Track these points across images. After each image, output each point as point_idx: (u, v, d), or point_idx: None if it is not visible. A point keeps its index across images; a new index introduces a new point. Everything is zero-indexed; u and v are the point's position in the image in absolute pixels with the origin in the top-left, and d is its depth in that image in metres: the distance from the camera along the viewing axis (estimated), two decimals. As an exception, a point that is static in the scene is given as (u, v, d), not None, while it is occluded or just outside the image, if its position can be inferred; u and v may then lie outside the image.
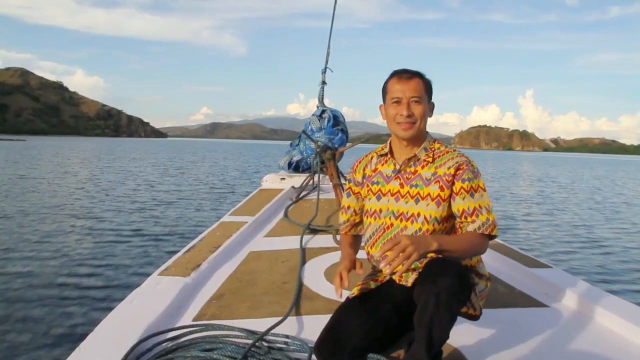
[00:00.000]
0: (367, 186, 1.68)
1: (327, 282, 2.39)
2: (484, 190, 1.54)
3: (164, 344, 1.66)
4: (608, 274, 6.49)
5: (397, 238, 1.30)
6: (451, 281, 1.29)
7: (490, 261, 2.87)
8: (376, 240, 1.64)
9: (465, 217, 1.51)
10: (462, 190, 1.51)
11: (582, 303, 2.12)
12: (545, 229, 10.25)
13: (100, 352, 1.55)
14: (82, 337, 1.66)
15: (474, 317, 1.59)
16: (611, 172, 45.57)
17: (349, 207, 1.75)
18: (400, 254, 1.25)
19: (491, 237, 1.52)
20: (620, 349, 1.75)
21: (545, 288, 2.36)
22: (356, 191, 1.74)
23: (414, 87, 1.54)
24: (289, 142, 6.48)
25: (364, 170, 1.72)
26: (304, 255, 2.86)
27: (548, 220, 11.60)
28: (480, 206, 1.50)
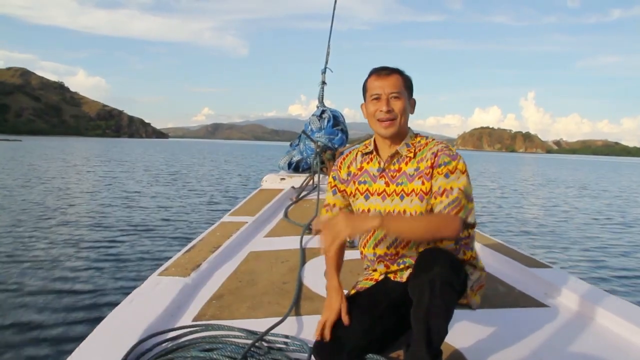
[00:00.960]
0: (354, 185, 1.66)
1: (327, 282, 2.40)
2: (462, 173, 1.48)
3: (164, 344, 1.66)
4: (608, 274, 6.49)
5: (332, 220, 1.33)
6: (444, 269, 1.29)
7: (490, 261, 2.87)
8: (367, 241, 1.63)
9: (435, 198, 1.47)
10: (436, 174, 1.49)
11: (581, 303, 2.12)
12: (545, 228, 10.25)
13: (100, 352, 1.56)
14: (82, 337, 1.66)
15: (469, 306, 1.59)
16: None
17: (334, 205, 1.71)
18: (330, 233, 1.30)
19: (468, 225, 1.46)
20: (620, 349, 1.75)
21: (544, 288, 2.36)
22: (342, 189, 1.71)
23: (392, 83, 1.53)
24: (290, 143, 6.49)
25: (348, 167, 1.70)
26: (304, 255, 2.86)
27: (548, 220, 11.59)
28: (451, 187, 1.45)
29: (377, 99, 1.55)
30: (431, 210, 1.50)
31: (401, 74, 1.57)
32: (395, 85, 1.54)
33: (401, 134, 1.58)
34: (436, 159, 1.50)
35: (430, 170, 1.50)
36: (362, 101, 1.64)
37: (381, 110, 1.53)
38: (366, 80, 1.61)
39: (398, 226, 1.39)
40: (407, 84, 1.58)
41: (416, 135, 1.62)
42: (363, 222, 1.33)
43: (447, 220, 1.41)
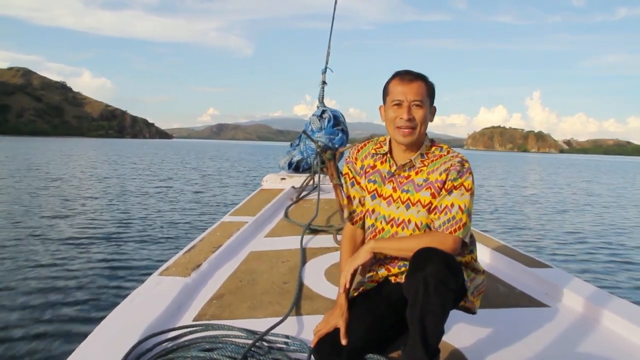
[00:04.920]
0: (365, 180, 1.65)
1: (327, 282, 2.40)
2: (467, 190, 1.47)
3: (164, 344, 1.66)
4: (608, 274, 6.48)
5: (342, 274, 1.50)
6: (438, 268, 1.28)
7: (491, 261, 2.87)
8: (367, 242, 1.62)
9: (436, 214, 1.48)
10: (443, 189, 1.49)
11: (582, 303, 2.12)
12: (545, 228, 10.24)
13: (101, 352, 1.56)
14: (83, 337, 1.66)
15: (471, 311, 1.59)
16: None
17: (354, 197, 1.69)
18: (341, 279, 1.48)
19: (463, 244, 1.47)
20: (621, 349, 1.75)
21: (545, 288, 2.36)
22: (359, 180, 1.68)
23: (416, 91, 1.49)
24: (290, 143, 6.49)
25: (362, 161, 1.67)
26: (304, 255, 2.86)
27: (548, 220, 11.58)
28: (452, 204, 1.46)
29: (399, 105, 1.50)
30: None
31: (425, 80, 1.52)
32: (419, 93, 1.49)
33: (418, 142, 1.55)
34: (447, 175, 1.49)
35: (442, 186, 1.49)
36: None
37: (402, 118, 1.48)
38: (388, 83, 1.55)
39: (389, 248, 1.49)
40: (430, 92, 1.53)
41: (432, 144, 1.58)
42: (357, 256, 1.49)
43: (440, 239, 1.43)
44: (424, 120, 1.51)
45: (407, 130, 1.49)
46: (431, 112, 1.56)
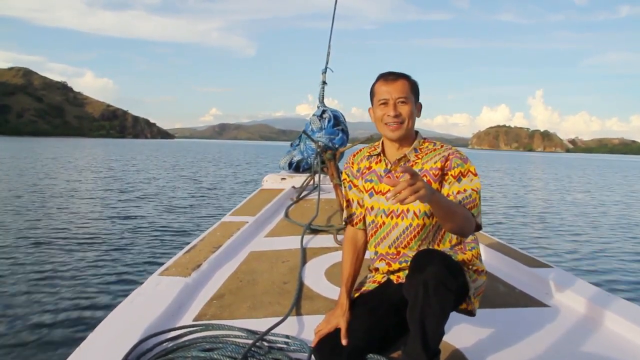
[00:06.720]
0: (362, 181, 1.70)
1: (327, 282, 2.40)
2: (475, 175, 1.54)
3: (164, 344, 1.67)
4: (609, 274, 6.48)
5: (406, 167, 1.23)
6: (438, 269, 1.30)
7: (491, 261, 2.87)
8: (369, 239, 1.67)
9: (449, 196, 1.52)
10: (450, 177, 1.53)
11: (582, 303, 2.12)
12: (545, 228, 10.23)
13: (101, 352, 1.56)
14: (83, 337, 1.66)
15: (470, 313, 1.60)
16: None
17: (352, 200, 1.75)
18: (409, 188, 1.19)
19: (477, 227, 1.52)
20: (621, 349, 1.75)
21: (545, 288, 2.36)
22: (356, 184, 1.74)
23: (400, 88, 1.56)
24: (290, 143, 6.49)
25: (358, 164, 1.74)
26: (305, 255, 2.86)
27: (549, 219, 11.57)
28: (464, 189, 1.52)
29: (385, 103, 1.57)
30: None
31: (408, 79, 1.59)
32: (402, 90, 1.56)
33: (408, 137, 1.61)
34: (448, 162, 1.54)
35: (440, 172, 1.54)
36: (370, 103, 1.67)
37: (389, 115, 1.56)
38: (373, 86, 1.63)
39: (444, 202, 1.37)
40: (414, 89, 1.60)
41: (424, 140, 1.65)
42: (430, 189, 1.26)
43: (470, 218, 1.47)
44: (411, 115, 1.58)
45: (394, 125, 1.56)
46: (417, 108, 1.63)
